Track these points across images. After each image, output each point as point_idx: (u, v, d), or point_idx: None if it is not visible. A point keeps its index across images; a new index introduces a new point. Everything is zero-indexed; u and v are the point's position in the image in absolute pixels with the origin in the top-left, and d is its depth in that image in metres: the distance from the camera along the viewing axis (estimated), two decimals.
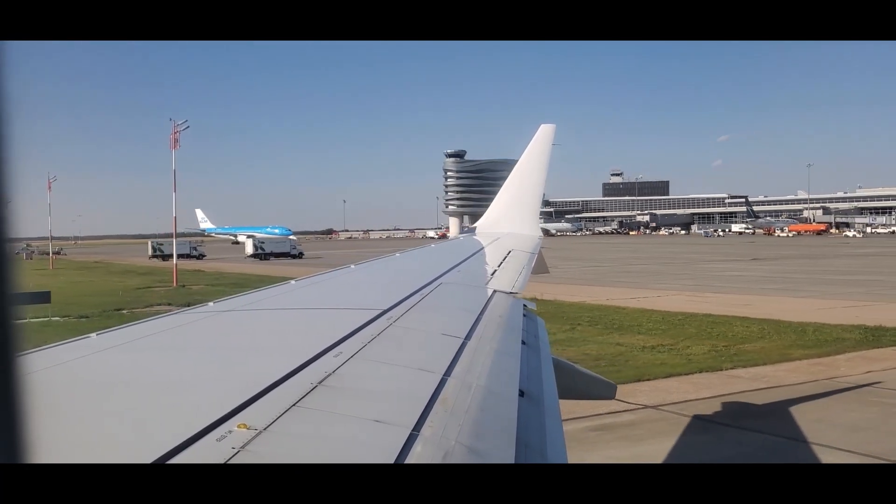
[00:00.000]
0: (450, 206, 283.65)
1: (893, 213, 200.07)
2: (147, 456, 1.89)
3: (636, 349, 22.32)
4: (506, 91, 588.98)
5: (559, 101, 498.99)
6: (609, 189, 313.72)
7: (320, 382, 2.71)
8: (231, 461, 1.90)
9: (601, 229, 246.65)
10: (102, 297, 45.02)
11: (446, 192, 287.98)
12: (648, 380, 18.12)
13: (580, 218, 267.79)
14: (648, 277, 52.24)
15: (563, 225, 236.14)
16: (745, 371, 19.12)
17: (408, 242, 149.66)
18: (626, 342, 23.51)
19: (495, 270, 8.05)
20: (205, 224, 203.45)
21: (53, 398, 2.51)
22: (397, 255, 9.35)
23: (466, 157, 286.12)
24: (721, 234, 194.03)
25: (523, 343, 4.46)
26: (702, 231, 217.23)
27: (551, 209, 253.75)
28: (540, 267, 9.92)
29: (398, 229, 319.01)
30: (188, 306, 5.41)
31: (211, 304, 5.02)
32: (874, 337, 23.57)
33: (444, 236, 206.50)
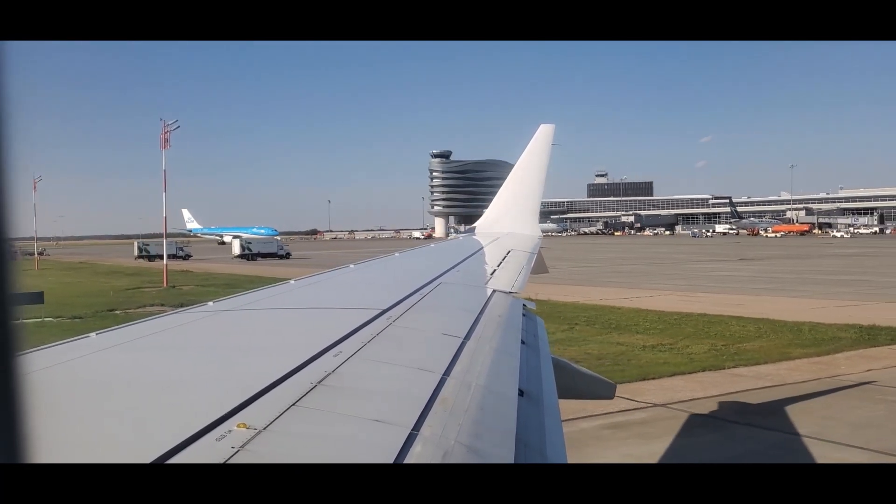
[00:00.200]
0: (435, 207, 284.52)
1: (875, 213, 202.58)
2: (147, 455, 1.89)
3: (637, 348, 22.40)
4: (491, 92, 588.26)
5: (543, 102, 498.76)
6: (594, 190, 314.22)
7: (320, 382, 2.70)
8: (230, 461, 1.89)
9: (586, 230, 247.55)
10: (93, 297, 44.87)
11: (432, 193, 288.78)
12: (653, 378, 18.22)
13: (565, 218, 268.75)
14: (639, 277, 52.42)
15: (549, 225, 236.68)
16: (748, 370, 19.24)
17: (393, 243, 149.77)
18: (626, 341, 23.59)
19: (495, 270, 8.06)
20: (191, 224, 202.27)
21: (53, 398, 2.50)
22: (396, 254, 9.34)
23: (452, 158, 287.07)
24: (710, 234, 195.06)
25: (523, 342, 4.46)
26: (688, 231, 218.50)
27: None
28: (539, 267, 9.92)
29: (383, 230, 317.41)
30: (181, 307, 5.39)
31: (210, 303, 5.01)
32: (870, 336, 23.76)
33: (429, 237, 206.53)
